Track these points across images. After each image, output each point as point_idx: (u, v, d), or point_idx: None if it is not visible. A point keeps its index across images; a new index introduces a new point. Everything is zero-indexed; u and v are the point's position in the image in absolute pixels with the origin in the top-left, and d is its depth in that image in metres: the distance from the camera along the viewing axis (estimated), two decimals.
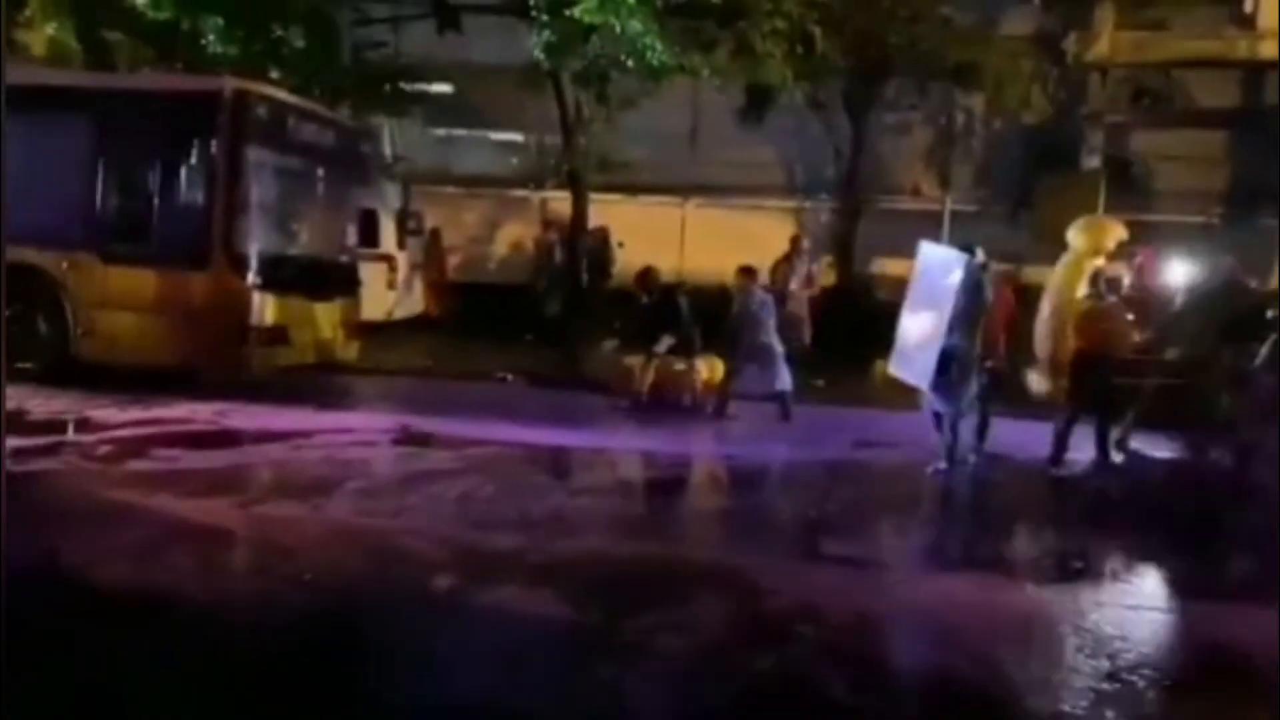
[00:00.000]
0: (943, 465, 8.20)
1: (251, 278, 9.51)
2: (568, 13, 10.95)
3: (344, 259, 11.26)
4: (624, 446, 9.15)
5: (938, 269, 8.33)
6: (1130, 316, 9.03)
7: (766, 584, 5.19)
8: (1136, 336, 8.93)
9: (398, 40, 16.14)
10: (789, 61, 11.66)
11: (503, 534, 5.75)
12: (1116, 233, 9.14)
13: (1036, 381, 9.12)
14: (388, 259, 14.89)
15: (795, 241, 13.89)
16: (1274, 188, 13.81)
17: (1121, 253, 9.87)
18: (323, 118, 10.88)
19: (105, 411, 8.55)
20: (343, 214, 11.36)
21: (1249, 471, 8.29)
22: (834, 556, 5.94)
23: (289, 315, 9.94)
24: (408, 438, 8.58)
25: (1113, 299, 8.85)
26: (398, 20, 15.54)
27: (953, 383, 7.96)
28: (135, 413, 8.61)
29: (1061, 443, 8.60)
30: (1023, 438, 8.95)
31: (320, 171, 10.76)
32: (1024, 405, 9.42)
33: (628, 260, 14.38)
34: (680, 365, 10.69)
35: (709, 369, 10.71)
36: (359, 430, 8.68)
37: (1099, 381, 8.56)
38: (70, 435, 7.81)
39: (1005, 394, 8.92)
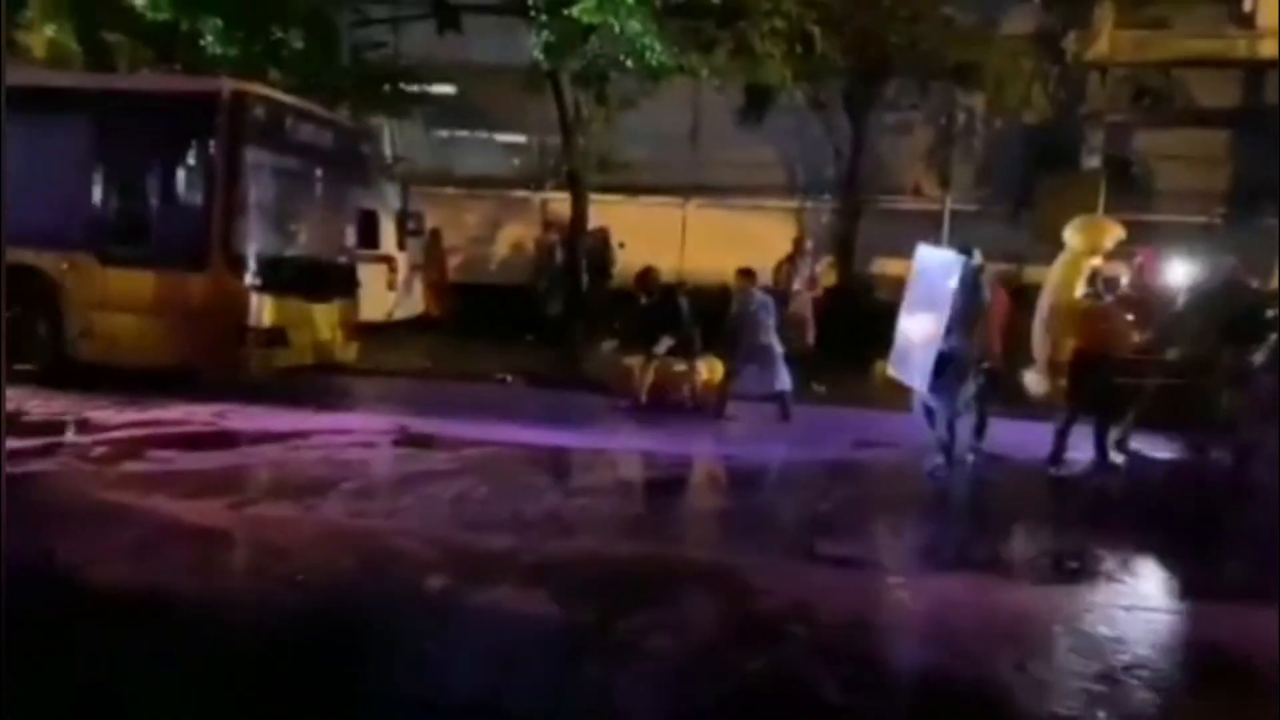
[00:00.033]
0: (940, 462, 8.19)
1: (250, 279, 9.49)
2: (566, 12, 10.93)
3: (342, 260, 11.25)
4: (622, 447, 9.14)
5: (935, 271, 8.33)
6: (1130, 316, 9.01)
7: (763, 584, 5.18)
8: (1135, 336, 8.91)
9: (397, 41, 16.14)
10: (788, 61, 11.65)
11: (499, 534, 5.73)
12: (1114, 232, 9.13)
13: (1035, 382, 9.12)
14: (387, 260, 14.89)
15: (798, 242, 13.87)
16: (1274, 187, 13.79)
17: (1120, 252, 9.85)
18: (321, 118, 10.86)
19: (103, 413, 8.55)
20: (341, 215, 11.35)
21: (1249, 472, 8.27)
22: (831, 557, 5.90)
23: (287, 316, 9.93)
24: (406, 439, 8.57)
25: (1110, 299, 8.83)
26: (397, 21, 15.53)
27: (950, 384, 7.96)
28: (133, 414, 8.61)
29: (1061, 443, 8.59)
30: (1022, 438, 8.93)
31: (319, 172, 10.76)
32: (1023, 405, 9.41)
33: (628, 261, 14.38)
34: (680, 366, 10.69)
35: (709, 369, 10.71)
36: (357, 431, 8.67)
37: (1097, 381, 8.55)
38: (67, 436, 7.81)
39: (1003, 394, 8.90)
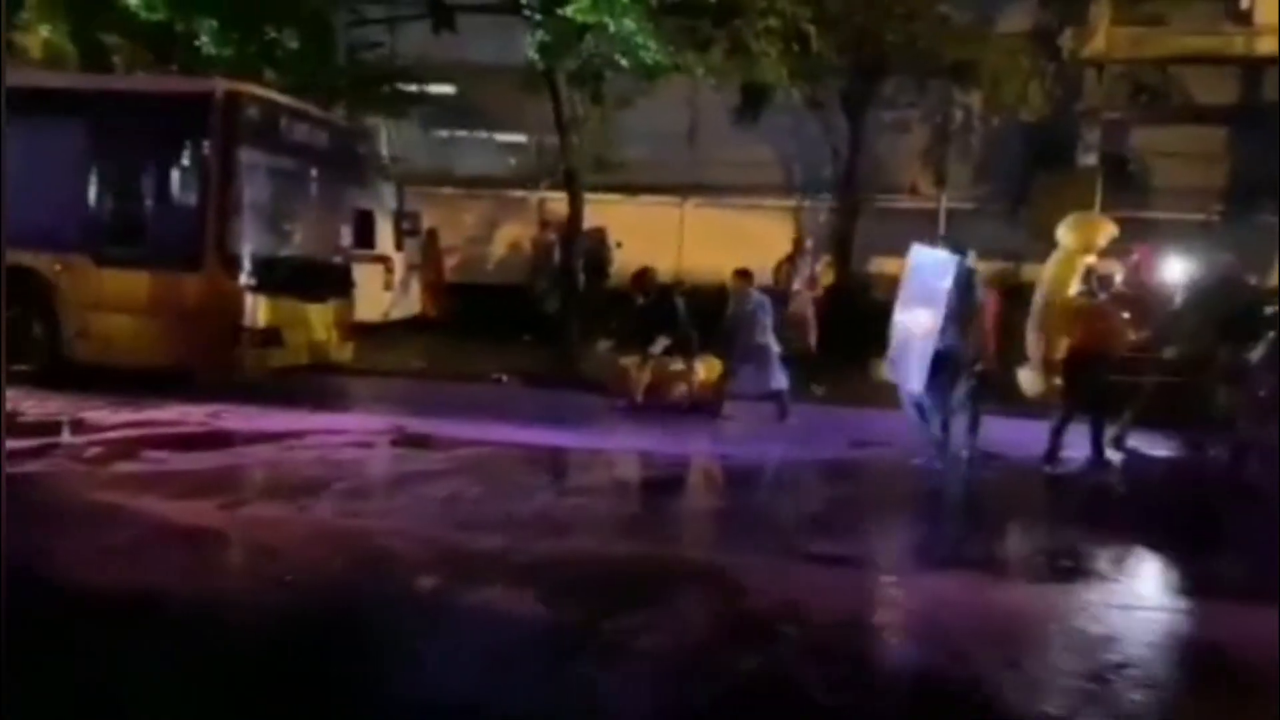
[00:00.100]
0: (923, 459, 8.19)
1: (244, 279, 9.49)
2: (561, 12, 10.92)
3: (338, 260, 11.24)
4: (618, 447, 9.13)
5: (929, 270, 8.34)
6: (1125, 314, 8.99)
7: (756, 583, 5.15)
8: (1130, 334, 8.89)
9: (394, 41, 16.13)
10: (784, 60, 11.63)
11: (493, 534, 5.71)
12: (1107, 230, 9.12)
13: (1030, 380, 9.10)
14: (384, 260, 14.90)
15: (799, 242, 13.84)
16: (1272, 184, 13.77)
17: (1116, 250, 9.84)
18: (316, 119, 10.86)
19: (98, 413, 8.54)
20: (337, 215, 11.34)
21: (1246, 470, 8.26)
22: (825, 556, 5.89)
23: (282, 317, 9.92)
24: (401, 439, 8.56)
25: (1104, 296, 8.82)
26: (393, 21, 15.51)
27: (944, 383, 7.97)
28: (128, 414, 8.60)
29: (1056, 441, 8.58)
30: (1018, 436, 8.92)
31: (314, 172, 10.75)
32: (1020, 404, 9.40)
33: (626, 260, 14.37)
34: (677, 365, 10.68)
35: (706, 369, 10.70)
36: (352, 432, 8.67)
37: (1092, 379, 8.54)
38: (63, 437, 7.80)
39: (997, 393, 8.88)
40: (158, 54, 12.57)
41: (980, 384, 8.42)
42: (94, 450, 7.31)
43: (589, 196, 14.16)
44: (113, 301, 9.61)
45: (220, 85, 9.67)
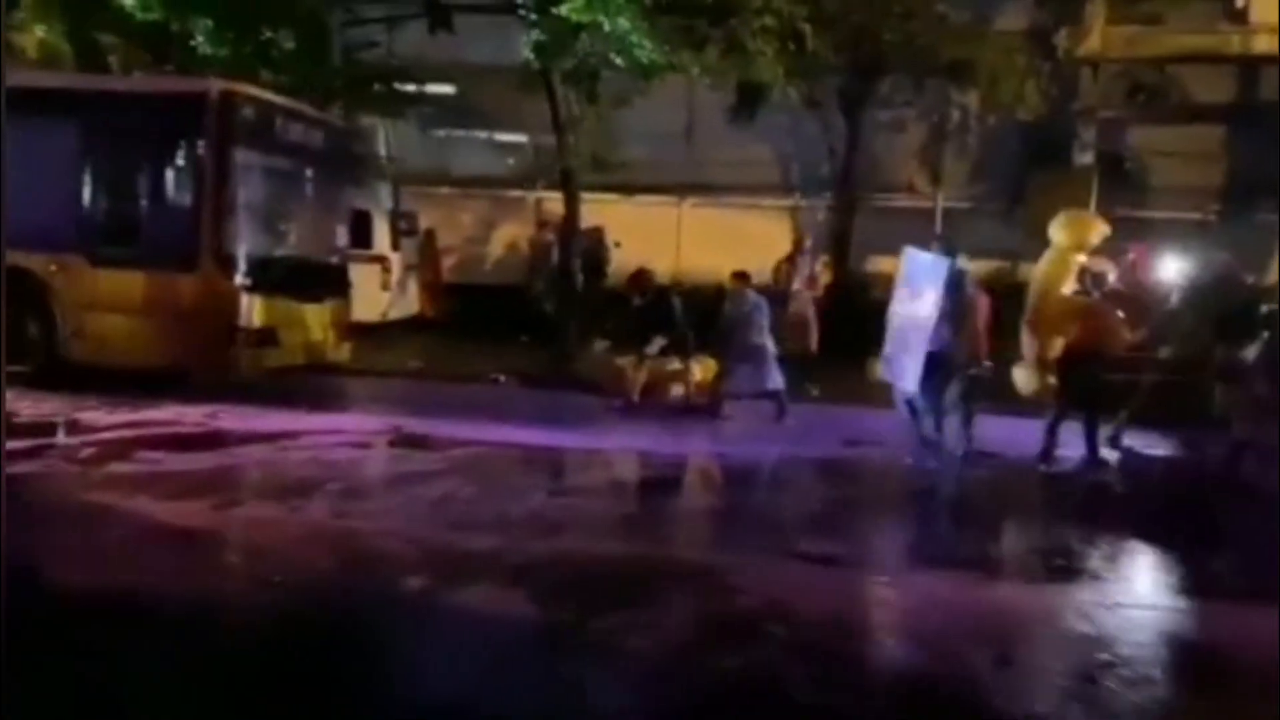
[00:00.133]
0: (917, 458, 8.20)
1: (239, 279, 9.49)
2: (556, 11, 10.91)
3: (334, 260, 11.23)
4: (613, 446, 9.11)
5: (921, 272, 8.38)
6: (1119, 313, 8.99)
7: (750, 582, 5.15)
8: (1125, 333, 8.89)
9: (390, 41, 16.12)
10: (780, 59, 11.61)
11: (487, 534, 5.71)
12: (1099, 228, 9.12)
13: (1024, 379, 9.10)
14: (381, 260, 14.89)
15: (798, 242, 13.80)
16: (1269, 183, 13.76)
17: (1112, 249, 9.84)
18: (311, 118, 10.85)
19: (94, 414, 8.55)
20: (332, 215, 11.33)
21: (1242, 469, 8.25)
22: (818, 555, 5.88)
23: (278, 317, 9.92)
24: (396, 439, 8.56)
25: (1098, 295, 8.81)
26: (390, 21, 15.50)
27: (938, 383, 7.99)
28: (123, 415, 8.60)
29: (1051, 439, 8.57)
30: (1014, 435, 8.92)
31: (309, 172, 10.74)
32: (1014, 403, 9.39)
33: (624, 260, 14.37)
34: (673, 366, 10.69)
35: (702, 369, 10.70)
36: (348, 432, 8.66)
37: (1086, 378, 8.53)
38: (58, 437, 7.79)
39: (989, 392, 8.88)
40: (153, 54, 12.57)
41: (973, 383, 8.43)
42: (90, 450, 7.31)
43: (586, 196, 14.16)
44: (108, 302, 9.61)
45: (215, 85, 9.67)
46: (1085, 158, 15.91)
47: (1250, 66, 15.93)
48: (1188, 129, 16.03)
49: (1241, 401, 8.51)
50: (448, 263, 17.39)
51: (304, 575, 5.03)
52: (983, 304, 8.44)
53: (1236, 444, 8.40)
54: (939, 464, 8.25)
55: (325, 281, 10.89)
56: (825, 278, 14.72)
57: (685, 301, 11.04)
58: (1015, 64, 14.02)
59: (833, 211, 16.05)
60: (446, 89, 17.33)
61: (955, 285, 7.97)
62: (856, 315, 12.78)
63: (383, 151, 17.44)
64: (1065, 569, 5.89)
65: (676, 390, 10.73)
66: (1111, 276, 9.08)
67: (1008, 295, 10.23)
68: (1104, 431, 8.86)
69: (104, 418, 8.46)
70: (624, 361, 10.66)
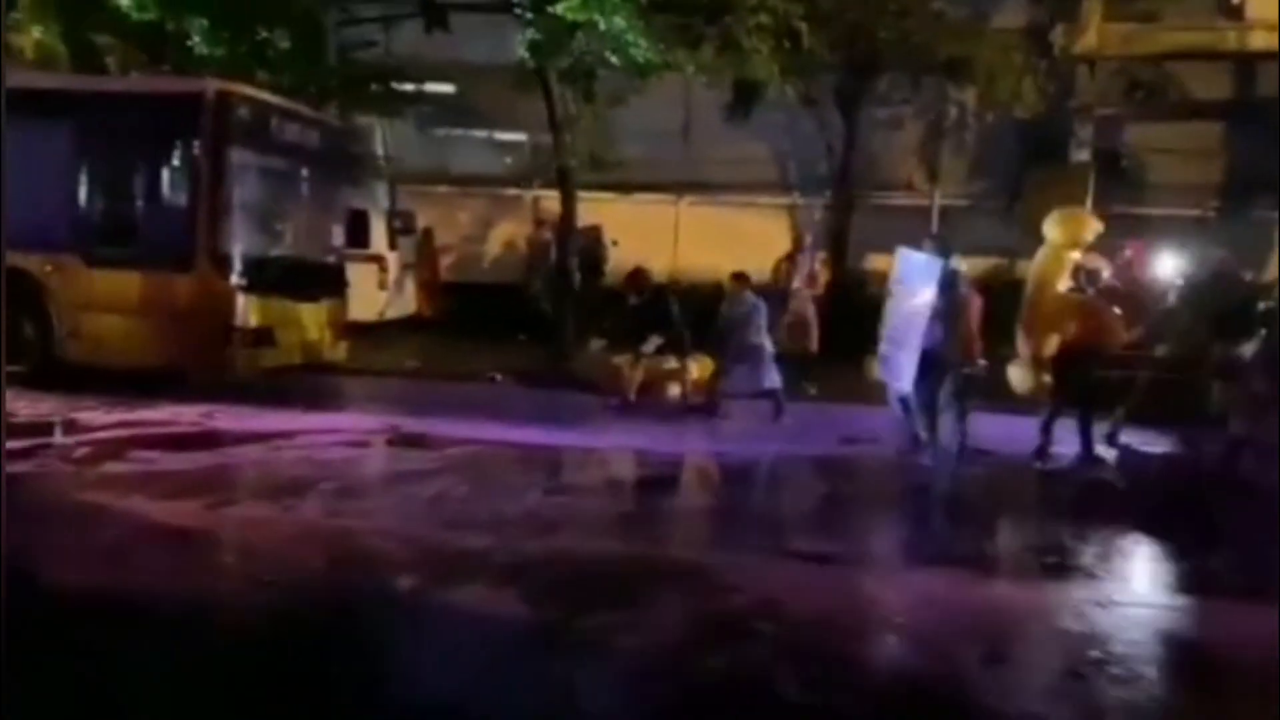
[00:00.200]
0: (912, 456, 8.20)
1: (235, 279, 9.49)
2: (551, 10, 10.91)
3: (330, 260, 11.22)
4: (609, 445, 9.11)
5: (915, 272, 8.40)
6: (1116, 310, 8.98)
7: (744, 581, 5.14)
8: (1121, 330, 8.88)
9: (388, 40, 16.12)
10: (775, 57, 11.61)
11: (482, 533, 5.71)
12: (1092, 225, 9.11)
13: (1019, 377, 9.09)
14: (378, 259, 14.90)
15: (798, 241, 13.79)
16: (1267, 180, 13.76)
17: (1109, 246, 9.83)
18: (307, 118, 10.85)
19: (90, 414, 8.55)
20: (329, 214, 11.33)
21: (1240, 466, 8.25)
22: (813, 553, 5.88)
23: (274, 316, 9.92)
24: (392, 438, 8.56)
25: (1092, 292, 8.80)
26: (386, 20, 15.50)
27: (932, 382, 8.01)
28: (120, 415, 8.60)
29: (1046, 437, 8.58)
30: (1009, 433, 8.92)
31: (305, 172, 10.74)
32: (1010, 401, 9.39)
33: (622, 259, 14.38)
34: (670, 364, 10.69)
35: (699, 368, 10.71)
36: (344, 431, 8.65)
37: (1081, 375, 8.53)
38: (55, 437, 7.79)
39: (983, 391, 8.88)
40: (150, 54, 12.56)
41: (967, 382, 8.43)
42: (85, 450, 7.32)
43: (584, 195, 14.16)
44: (104, 302, 9.61)
45: (210, 85, 9.68)
46: (1082, 155, 15.91)
47: (1247, 63, 15.93)
48: (1185, 126, 16.04)
49: (1239, 399, 8.50)
50: (445, 262, 17.41)
51: (301, 575, 5.03)
52: (975, 303, 8.45)
53: (1233, 441, 8.39)
54: (932, 462, 8.24)
55: (322, 281, 10.89)
56: (825, 276, 14.74)
57: (683, 300, 11.05)
58: (1012, 61, 14.01)
59: (830, 210, 16.05)
60: (444, 88, 17.33)
61: (948, 284, 7.98)
62: (855, 314, 12.78)
63: (380, 151, 17.44)
64: (1061, 566, 5.86)
65: (673, 389, 10.74)
66: (1106, 273, 9.05)
67: (1005, 293, 10.24)
68: (1101, 429, 8.87)
69: (100, 417, 8.47)
70: (620, 360, 10.67)
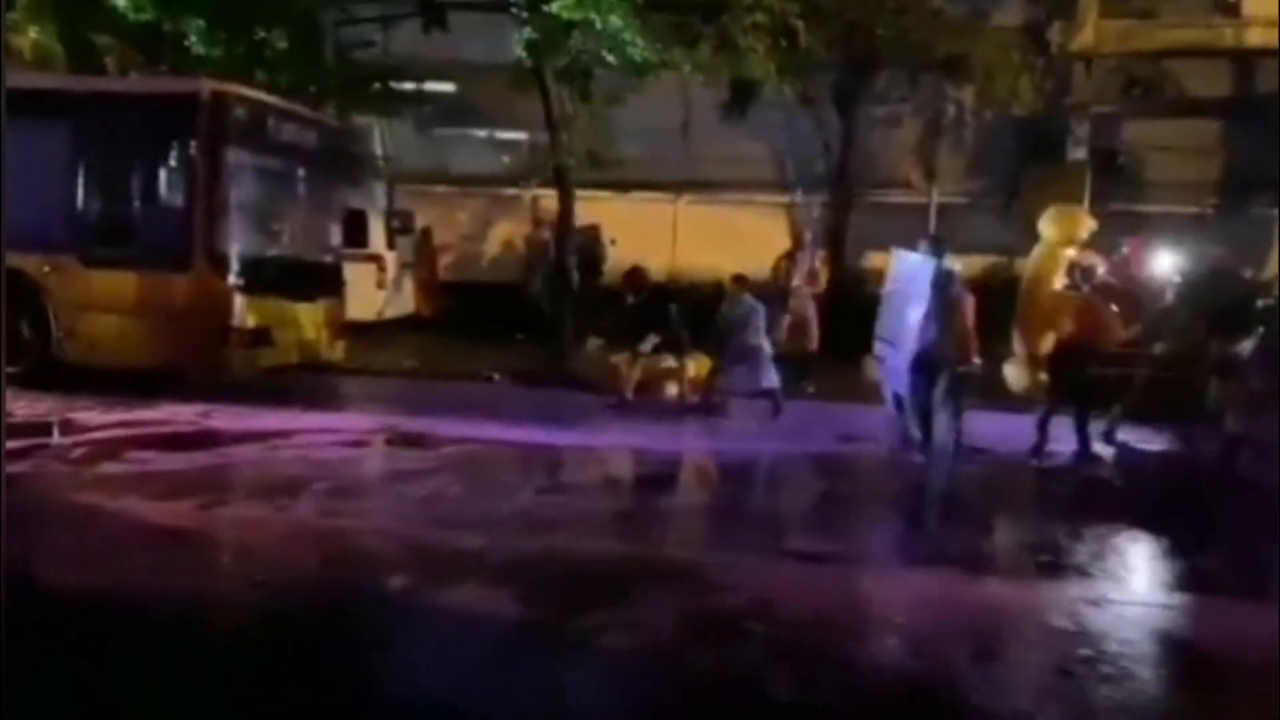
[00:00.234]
0: (906, 455, 8.21)
1: (233, 279, 9.50)
2: (547, 9, 10.91)
3: (328, 259, 11.23)
4: (605, 444, 9.12)
5: (910, 272, 8.42)
6: (1113, 307, 8.98)
7: (736, 579, 5.15)
8: (1117, 327, 8.89)
9: (386, 40, 16.11)
10: (772, 56, 11.60)
11: (480, 532, 5.71)
12: (1086, 222, 9.12)
13: (1015, 375, 9.10)
14: (377, 259, 14.90)
15: (798, 239, 13.77)
16: (1266, 177, 13.76)
17: (1102, 243, 9.83)
18: (304, 118, 10.86)
19: (88, 414, 8.55)
20: (326, 214, 11.34)
21: (1237, 464, 8.25)
22: (808, 551, 5.89)
23: (271, 316, 9.93)
24: (389, 438, 8.57)
25: (1087, 289, 8.81)
26: (384, 20, 15.50)
27: (927, 381, 8.02)
28: (118, 414, 8.61)
29: (1042, 434, 8.58)
30: (1006, 431, 8.92)
31: (302, 172, 10.75)
32: (1006, 398, 9.40)
33: (621, 257, 14.38)
34: (667, 363, 10.70)
35: (696, 367, 10.71)
36: (341, 431, 8.65)
37: (1076, 373, 8.53)
38: (52, 437, 7.79)
39: (978, 389, 8.89)
40: (147, 54, 12.57)
41: (962, 380, 8.44)
42: (82, 450, 7.32)
43: (582, 194, 14.15)
44: (101, 302, 9.63)
45: (206, 85, 9.68)
46: (1080, 153, 15.90)
47: (1244, 60, 15.91)
48: (1182, 123, 16.02)
49: (1236, 396, 8.50)
50: (444, 261, 17.42)
51: (293, 575, 5.04)
52: (969, 302, 8.45)
53: (1230, 439, 8.39)
54: (926, 461, 8.25)
55: (319, 281, 10.91)
56: (825, 274, 14.71)
57: (681, 299, 11.05)
58: (1010, 59, 14.00)
59: (829, 208, 16.04)
60: (442, 87, 17.33)
61: (941, 284, 8.00)
62: (853, 313, 12.77)
63: (378, 150, 17.44)
64: (1057, 565, 5.86)
65: (670, 388, 10.74)
66: (1100, 270, 9.05)
67: (1004, 291, 10.25)
68: (1098, 426, 8.87)
69: (97, 417, 8.47)
70: (618, 359, 10.68)
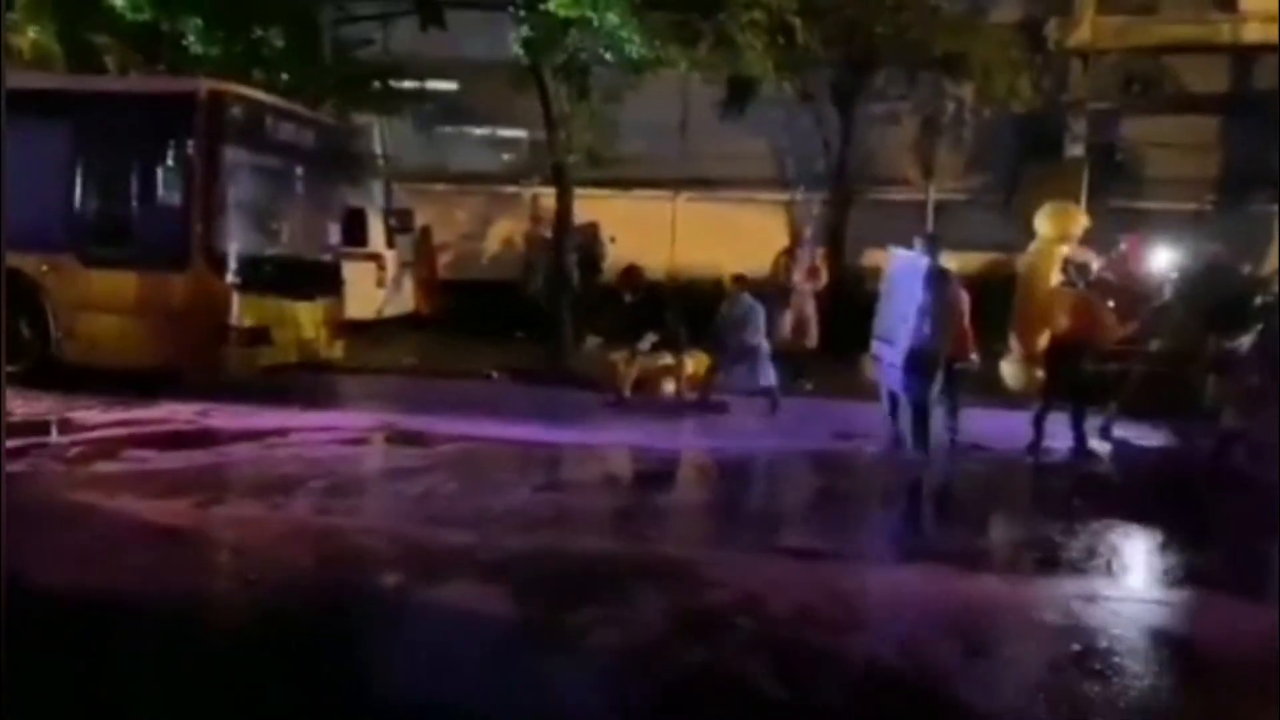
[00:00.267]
0: (901, 451, 8.25)
1: (231, 278, 9.53)
2: (544, 7, 10.92)
3: (326, 258, 11.24)
4: (601, 442, 9.12)
5: (905, 270, 8.43)
6: (1110, 304, 8.99)
7: (729, 576, 5.15)
8: (1113, 324, 8.89)
9: (385, 38, 16.11)
10: (769, 53, 11.59)
11: (477, 530, 5.73)
12: (1080, 219, 9.13)
13: (1012, 373, 9.11)
14: (376, 257, 14.92)
15: (798, 234, 13.75)
16: (1265, 174, 13.74)
17: (1101, 240, 9.83)
18: (302, 117, 10.87)
19: (86, 413, 8.57)
20: (324, 213, 11.35)
21: (1234, 459, 8.26)
22: (803, 548, 5.90)
23: (269, 315, 9.96)
24: (388, 436, 8.58)
25: (1082, 285, 8.81)
26: (382, 18, 15.50)
27: (923, 379, 8.03)
28: (115, 414, 8.63)
29: (1039, 431, 8.58)
30: (1004, 428, 8.92)
31: (300, 171, 10.77)
32: (1004, 396, 9.40)
33: (621, 255, 14.38)
34: (665, 361, 10.71)
35: (694, 364, 10.73)
36: (339, 429, 8.66)
37: (1072, 370, 8.54)
38: (50, 437, 7.82)
39: (972, 386, 8.89)
40: (146, 54, 12.58)
41: (958, 377, 8.45)
42: (79, 449, 7.35)
43: (581, 192, 14.15)
44: (100, 302, 9.65)
45: (203, 85, 9.70)
46: (1077, 150, 15.88)
47: (1243, 56, 15.88)
48: (1180, 119, 15.99)
49: (1234, 392, 8.51)
50: (443, 259, 17.41)
51: (287, 573, 5.06)
52: (964, 299, 8.46)
53: (1227, 435, 8.40)
54: (922, 458, 8.26)
55: (318, 279, 10.92)
56: (825, 270, 14.69)
57: (680, 296, 11.07)
58: (1008, 57, 13.98)
59: (828, 205, 16.02)
60: (442, 85, 17.33)
61: (934, 281, 8.01)
62: (852, 310, 12.75)
63: (378, 149, 17.44)
64: (1053, 561, 5.86)
65: (668, 385, 10.76)
66: (1095, 267, 9.06)
67: (1002, 288, 10.26)
68: (1095, 422, 8.87)
69: (96, 416, 8.50)
70: (616, 357, 10.69)
